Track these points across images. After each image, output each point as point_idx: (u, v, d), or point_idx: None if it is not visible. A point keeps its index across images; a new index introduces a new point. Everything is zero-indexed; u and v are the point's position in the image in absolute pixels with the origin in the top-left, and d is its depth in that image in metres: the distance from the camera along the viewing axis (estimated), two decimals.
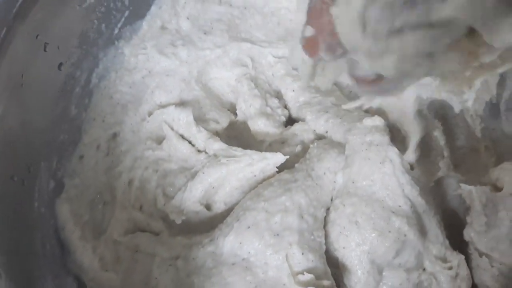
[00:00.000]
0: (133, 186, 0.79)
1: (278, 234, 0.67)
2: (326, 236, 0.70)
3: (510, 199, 0.71)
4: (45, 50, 0.67)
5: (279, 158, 0.74)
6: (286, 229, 0.67)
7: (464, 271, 0.70)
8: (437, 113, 0.84)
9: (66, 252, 0.71)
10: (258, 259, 0.67)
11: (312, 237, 0.67)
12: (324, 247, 0.69)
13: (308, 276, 0.64)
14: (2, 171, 0.59)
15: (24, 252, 0.63)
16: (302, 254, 0.65)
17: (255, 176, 0.75)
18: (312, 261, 0.65)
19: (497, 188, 0.73)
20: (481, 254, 0.72)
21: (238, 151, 0.77)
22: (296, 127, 0.82)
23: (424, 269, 0.70)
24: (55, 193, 0.73)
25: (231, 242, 0.68)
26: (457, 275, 0.70)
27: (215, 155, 0.78)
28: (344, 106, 0.82)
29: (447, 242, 0.71)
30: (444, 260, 0.70)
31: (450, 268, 0.70)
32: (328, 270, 0.67)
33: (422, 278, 0.69)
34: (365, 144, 0.72)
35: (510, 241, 0.72)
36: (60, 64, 0.72)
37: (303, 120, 0.82)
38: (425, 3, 0.42)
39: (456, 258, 0.70)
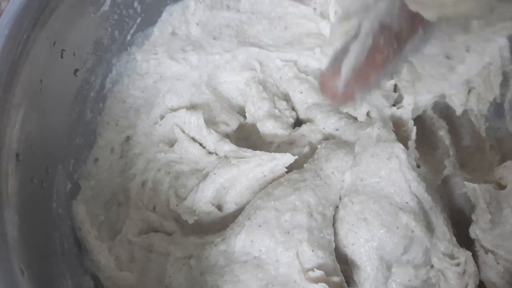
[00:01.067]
0: (146, 187, 0.81)
1: (288, 232, 0.69)
2: (336, 234, 0.72)
3: None
4: (62, 57, 0.69)
5: (288, 158, 0.75)
6: (296, 227, 0.69)
7: (471, 267, 0.71)
8: (442, 113, 0.86)
9: (83, 251, 0.73)
10: (269, 256, 0.68)
11: (322, 234, 0.69)
12: (334, 244, 0.70)
13: (318, 273, 0.65)
14: (23, 173, 0.61)
15: (44, 251, 0.64)
16: (312, 251, 0.67)
17: (264, 176, 0.77)
18: (322, 257, 0.67)
19: (501, 186, 0.75)
20: (486, 251, 0.73)
21: (247, 152, 0.79)
22: (304, 128, 0.83)
23: (432, 266, 0.71)
24: (72, 195, 0.75)
25: (242, 241, 0.69)
26: (464, 271, 0.71)
27: (226, 157, 0.80)
28: (341, 108, 0.83)
29: (454, 239, 0.72)
30: (451, 256, 0.71)
31: (458, 265, 0.70)
32: (338, 266, 0.69)
33: (430, 275, 0.71)
34: (373, 139, 0.74)
35: None
36: (76, 70, 0.74)
37: (311, 121, 0.84)
38: None
39: (464, 255, 0.71)
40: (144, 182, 0.82)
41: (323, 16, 0.94)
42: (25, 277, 0.55)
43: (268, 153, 0.77)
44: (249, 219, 0.71)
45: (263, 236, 0.69)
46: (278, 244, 0.68)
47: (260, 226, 0.70)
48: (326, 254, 0.67)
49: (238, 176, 0.77)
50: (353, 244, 0.70)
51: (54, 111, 0.70)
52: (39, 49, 0.63)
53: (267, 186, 0.76)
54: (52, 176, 0.70)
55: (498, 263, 0.73)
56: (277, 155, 0.76)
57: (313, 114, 0.83)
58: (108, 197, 0.80)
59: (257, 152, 0.78)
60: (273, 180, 0.77)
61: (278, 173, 0.76)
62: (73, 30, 0.70)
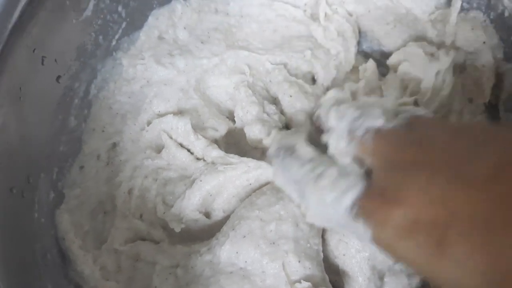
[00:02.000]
0: (133, 195, 0.79)
1: (274, 243, 0.67)
2: (326, 244, 0.70)
3: None
4: (42, 64, 0.68)
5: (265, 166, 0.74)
6: (281, 237, 0.67)
7: None
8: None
9: (67, 262, 0.72)
10: (255, 267, 0.67)
11: (309, 244, 0.67)
12: (322, 254, 0.68)
13: (305, 284, 0.64)
14: (1, 183, 0.60)
15: (24, 262, 0.63)
16: (299, 262, 0.65)
17: (250, 184, 0.75)
18: (309, 268, 0.65)
19: None
20: None
21: (234, 158, 0.77)
22: None
23: None
24: (55, 204, 0.73)
25: (227, 252, 0.68)
26: None
27: (213, 163, 0.79)
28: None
29: None
30: None
31: None
32: (326, 277, 0.67)
33: (424, 283, 0.69)
34: None
35: None
36: (59, 76, 0.73)
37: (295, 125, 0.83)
38: None
39: None
40: (131, 189, 0.80)
41: (314, 18, 0.92)
42: None
43: (255, 160, 0.76)
44: (233, 229, 0.69)
45: (248, 247, 0.67)
46: (264, 255, 0.66)
47: (245, 236, 0.68)
48: (313, 264, 0.66)
49: (225, 183, 0.75)
50: (344, 255, 0.69)
51: (36, 119, 0.69)
52: (18, 57, 0.62)
53: (251, 195, 0.75)
54: (33, 185, 0.69)
55: None
56: (263, 164, 0.74)
57: (300, 120, 0.82)
58: (94, 205, 0.79)
59: (244, 158, 0.76)
60: (259, 188, 0.75)
61: (262, 181, 0.75)
62: (54, 36, 0.69)
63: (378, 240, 0.46)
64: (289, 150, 0.61)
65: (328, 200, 0.51)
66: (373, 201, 0.47)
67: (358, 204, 0.48)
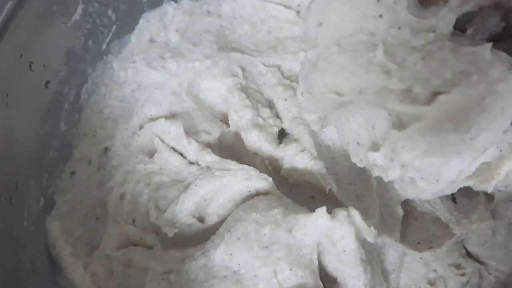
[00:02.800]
0: (125, 200, 0.79)
1: (267, 247, 0.66)
2: (322, 253, 0.69)
3: (502, 206, 0.70)
4: (30, 69, 0.67)
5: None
6: (274, 243, 0.66)
7: (475, 279, 0.72)
8: None
9: (57, 269, 0.71)
10: (248, 271, 0.66)
11: (301, 253, 0.66)
12: (316, 262, 0.67)
13: None
14: None
15: (13, 270, 0.63)
16: (290, 270, 0.64)
17: (249, 191, 0.75)
18: (301, 276, 0.65)
19: (488, 196, 0.72)
20: (478, 262, 0.73)
21: (233, 164, 0.77)
22: (291, 148, 0.80)
23: (435, 270, 0.72)
24: (45, 210, 0.73)
25: (221, 254, 0.67)
26: (468, 282, 0.72)
27: (208, 167, 0.78)
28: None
29: (464, 251, 0.73)
30: (457, 266, 0.72)
31: (463, 275, 0.71)
32: (321, 284, 0.66)
33: (430, 276, 0.72)
34: None
35: (506, 248, 0.72)
36: (47, 82, 0.72)
37: (297, 139, 0.82)
38: None
39: (471, 266, 0.72)
40: (123, 194, 0.79)
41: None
42: None
43: (256, 170, 0.75)
44: (229, 231, 0.69)
45: (242, 249, 0.67)
46: (257, 258, 0.66)
47: (239, 238, 0.68)
48: (306, 272, 0.65)
49: (221, 188, 0.75)
50: (338, 262, 0.68)
51: (24, 125, 0.68)
52: (4, 63, 0.62)
53: (253, 199, 0.74)
54: (22, 192, 0.68)
55: (489, 274, 0.74)
56: (269, 179, 0.74)
57: (300, 131, 0.81)
58: (85, 211, 0.78)
59: (245, 166, 0.76)
60: (257, 195, 0.75)
61: (262, 191, 0.75)
62: (41, 41, 0.69)
63: None
64: None
65: None
66: None
67: None
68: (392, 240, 0.72)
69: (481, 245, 0.73)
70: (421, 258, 0.72)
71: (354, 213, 0.67)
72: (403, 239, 0.74)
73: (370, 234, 0.66)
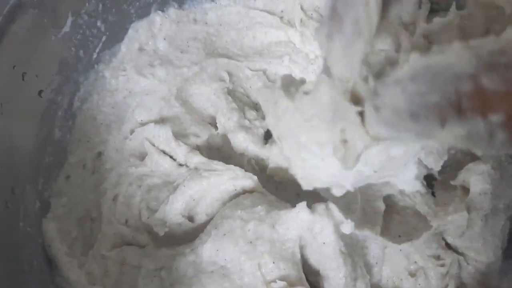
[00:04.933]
0: (118, 201, 0.82)
1: (251, 242, 0.69)
2: (305, 247, 0.72)
3: (478, 199, 0.72)
4: (23, 79, 0.70)
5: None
6: (258, 238, 0.69)
7: (454, 269, 0.73)
8: None
9: (53, 268, 0.74)
10: (234, 265, 0.69)
11: (284, 247, 0.69)
12: (299, 255, 0.70)
13: (280, 284, 0.66)
14: None
15: (11, 270, 0.66)
16: (273, 263, 0.67)
17: (235, 190, 0.78)
18: (284, 269, 0.67)
19: (465, 190, 0.75)
20: (457, 253, 0.75)
21: (219, 165, 0.79)
22: (274, 151, 0.83)
23: (415, 262, 0.74)
24: (42, 213, 0.76)
25: (209, 250, 0.70)
26: (447, 272, 0.73)
27: (196, 168, 0.81)
28: None
29: (443, 242, 0.75)
30: (437, 257, 0.73)
31: (442, 265, 0.73)
32: (303, 276, 0.69)
33: (410, 268, 0.74)
34: None
35: (484, 239, 0.74)
36: (41, 91, 0.75)
37: None
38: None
39: (450, 257, 0.73)
40: (116, 196, 0.82)
41: (290, 24, 0.94)
42: None
43: (242, 169, 0.78)
44: (216, 228, 0.72)
45: (228, 244, 0.70)
46: (242, 253, 0.69)
47: (225, 234, 0.71)
48: (288, 265, 0.68)
49: (208, 188, 0.78)
50: (319, 254, 0.70)
51: (19, 133, 0.71)
52: None
53: (239, 197, 0.77)
54: (18, 196, 0.71)
55: (468, 264, 0.75)
56: (253, 176, 0.77)
57: None
58: (81, 213, 0.81)
59: (231, 166, 0.79)
60: (244, 193, 0.78)
61: (248, 189, 0.78)
62: (33, 52, 0.72)
63: None
64: None
65: None
66: None
67: None
68: (373, 233, 0.75)
69: (459, 237, 0.74)
70: (400, 250, 0.74)
71: (332, 206, 0.70)
72: (385, 232, 0.76)
73: (347, 226, 0.69)
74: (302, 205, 0.70)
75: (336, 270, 0.69)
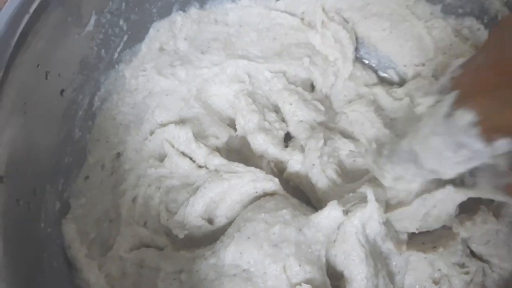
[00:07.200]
0: (137, 203, 0.81)
1: (276, 245, 0.68)
2: (330, 251, 0.71)
3: (504, 206, 0.72)
4: (46, 78, 0.69)
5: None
6: (284, 240, 0.69)
7: (479, 278, 0.73)
8: None
9: (73, 269, 0.74)
10: (257, 269, 0.68)
11: (310, 250, 0.68)
12: (324, 259, 0.69)
13: (305, 286, 0.65)
14: (7, 195, 0.61)
15: (31, 271, 0.65)
16: (299, 266, 0.66)
17: (256, 192, 0.77)
18: (310, 272, 0.67)
19: None
20: (482, 261, 0.75)
21: (240, 167, 0.79)
22: (294, 157, 0.83)
23: (439, 269, 0.73)
24: (61, 213, 0.75)
25: (232, 253, 0.70)
26: (471, 280, 0.73)
27: (216, 170, 0.80)
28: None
29: (468, 250, 0.74)
30: (462, 265, 0.73)
31: (467, 273, 0.72)
32: (327, 280, 0.68)
33: (435, 275, 0.73)
34: None
35: (508, 246, 0.73)
36: (62, 90, 0.75)
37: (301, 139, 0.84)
38: None
39: (475, 265, 0.73)
40: (135, 197, 0.82)
41: (311, 26, 0.94)
42: None
43: (263, 172, 0.77)
44: (239, 230, 0.71)
45: (252, 248, 0.69)
46: (266, 256, 0.68)
47: (249, 238, 0.70)
48: (314, 269, 0.67)
49: (229, 190, 0.77)
50: (345, 259, 0.70)
51: (41, 132, 0.70)
52: (22, 72, 0.64)
53: (260, 199, 0.76)
54: (39, 196, 0.70)
55: (493, 271, 0.74)
56: (273, 178, 0.77)
57: (302, 135, 0.84)
58: (100, 214, 0.81)
59: (252, 168, 0.78)
60: (264, 196, 0.77)
61: (269, 192, 0.77)
62: (57, 51, 0.71)
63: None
64: None
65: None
66: None
67: None
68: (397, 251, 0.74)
69: (484, 244, 0.74)
70: (425, 257, 0.73)
71: (370, 192, 0.69)
72: (409, 241, 0.75)
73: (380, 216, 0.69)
74: (334, 203, 0.69)
75: (361, 273, 0.68)
